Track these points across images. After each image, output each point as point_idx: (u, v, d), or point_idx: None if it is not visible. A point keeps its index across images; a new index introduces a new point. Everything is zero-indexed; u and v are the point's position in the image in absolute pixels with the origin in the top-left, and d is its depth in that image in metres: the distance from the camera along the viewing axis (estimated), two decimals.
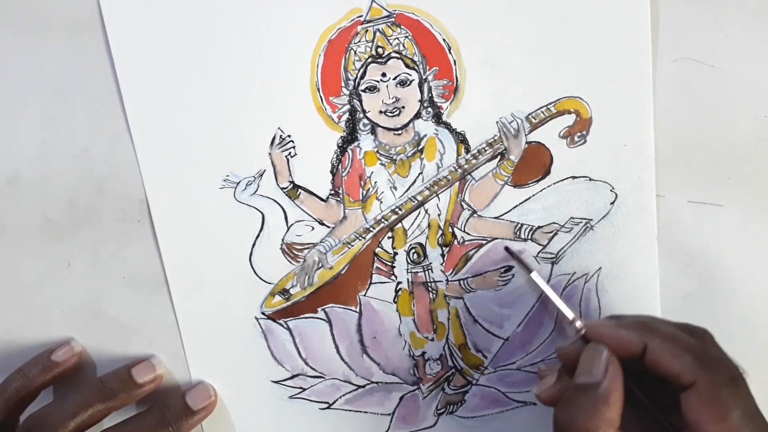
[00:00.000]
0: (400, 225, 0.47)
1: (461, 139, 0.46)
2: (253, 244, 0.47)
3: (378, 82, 0.45)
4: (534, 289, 0.46)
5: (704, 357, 0.36)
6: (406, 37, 0.45)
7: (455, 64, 0.45)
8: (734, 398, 0.35)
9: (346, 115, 0.45)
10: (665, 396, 0.37)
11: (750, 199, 0.46)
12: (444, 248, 0.47)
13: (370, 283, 0.47)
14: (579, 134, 0.45)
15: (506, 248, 0.46)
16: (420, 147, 0.46)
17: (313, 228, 0.47)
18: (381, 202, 0.46)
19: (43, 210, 0.47)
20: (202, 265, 0.47)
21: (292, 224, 0.47)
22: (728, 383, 0.35)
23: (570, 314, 0.42)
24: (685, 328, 0.39)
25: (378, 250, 0.47)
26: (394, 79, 0.45)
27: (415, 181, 0.46)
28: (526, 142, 0.45)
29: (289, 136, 0.46)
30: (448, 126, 0.45)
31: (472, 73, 0.45)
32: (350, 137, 0.46)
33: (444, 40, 0.44)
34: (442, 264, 0.47)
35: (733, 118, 0.45)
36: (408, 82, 0.45)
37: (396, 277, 0.47)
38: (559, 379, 0.41)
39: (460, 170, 0.46)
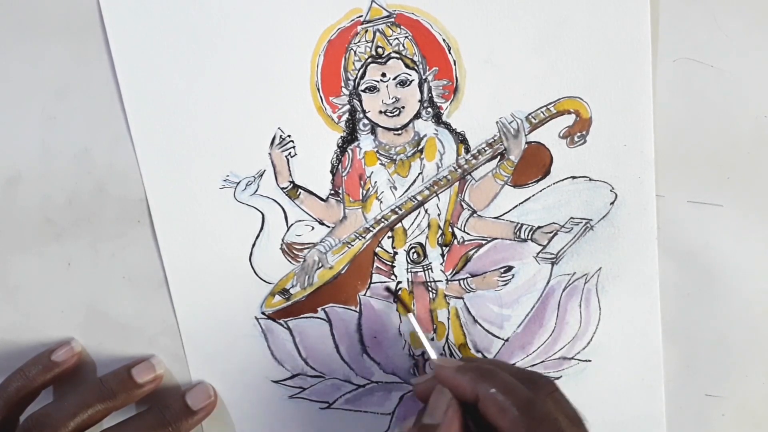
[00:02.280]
0: (400, 225, 0.47)
1: (461, 139, 0.46)
2: (253, 244, 0.47)
3: (378, 82, 0.45)
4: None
5: (529, 414, 0.36)
6: (406, 37, 0.45)
7: (455, 64, 0.45)
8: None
9: (346, 115, 0.45)
10: None
11: (750, 199, 0.46)
12: (444, 248, 0.47)
13: (370, 283, 0.47)
14: (579, 134, 0.45)
15: (386, 288, 0.47)
16: (420, 147, 0.46)
17: (313, 228, 0.47)
18: (381, 201, 0.46)
19: (43, 210, 0.47)
20: (202, 265, 0.47)
21: (292, 224, 0.47)
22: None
23: (433, 354, 0.42)
24: (528, 379, 0.39)
25: (378, 249, 0.47)
26: (394, 79, 0.45)
27: (415, 181, 0.46)
28: (526, 142, 0.45)
29: (289, 136, 0.46)
30: (448, 126, 0.45)
31: (472, 73, 0.45)
32: (350, 137, 0.46)
33: (444, 40, 0.44)
34: (441, 264, 0.47)
35: (733, 118, 0.45)
36: (408, 82, 0.45)
37: (396, 276, 0.47)
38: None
39: (460, 170, 0.46)
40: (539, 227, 0.46)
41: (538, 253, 0.47)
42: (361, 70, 0.45)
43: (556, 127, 0.45)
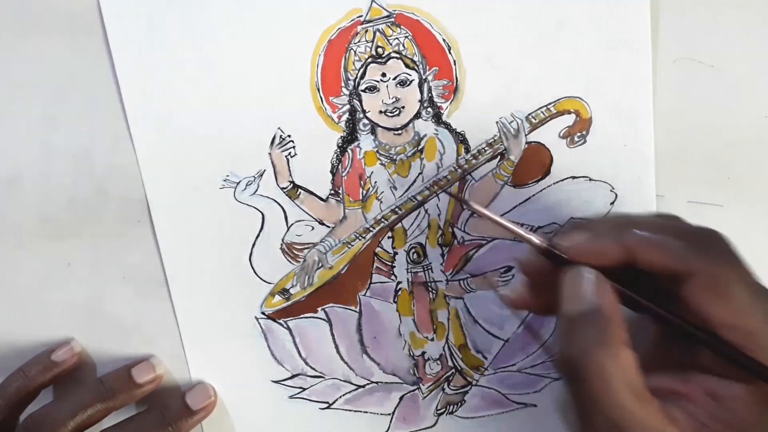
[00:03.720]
0: (400, 225, 0.47)
1: (461, 139, 0.46)
2: (253, 244, 0.47)
3: (378, 82, 0.45)
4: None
5: (694, 238, 0.32)
6: (406, 37, 0.45)
7: (455, 64, 0.45)
8: (736, 274, 0.32)
9: (346, 115, 0.45)
10: (659, 292, 0.34)
11: (750, 199, 0.46)
12: (444, 248, 0.47)
13: (370, 283, 0.47)
14: (579, 134, 0.45)
15: (445, 191, 0.44)
16: (420, 147, 0.46)
17: (313, 228, 0.47)
18: (381, 201, 0.46)
19: (43, 210, 0.47)
20: (202, 265, 0.47)
21: (292, 224, 0.47)
22: (725, 257, 0.32)
23: (527, 235, 0.36)
24: (659, 216, 0.36)
25: (378, 249, 0.47)
26: (394, 79, 0.45)
27: (415, 181, 0.46)
28: (526, 142, 0.45)
29: (289, 136, 0.46)
30: (448, 126, 0.45)
31: (472, 73, 0.45)
32: (350, 137, 0.46)
33: (444, 40, 0.44)
34: (442, 264, 0.47)
35: (733, 118, 0.45)
36: (408, 82, 0.45)
37: (396, 276, 0.47)
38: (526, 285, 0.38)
39: (460, 170, 0.46)
40: (539, 227, 0.46)
41: None
42: (361, 70, 0.45)
43: (556, 127, 0.45)
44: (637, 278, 0.34)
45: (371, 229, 0.47)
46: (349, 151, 0.46)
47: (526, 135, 0.45)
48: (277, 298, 0.47)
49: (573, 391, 0.33)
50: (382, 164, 0.46)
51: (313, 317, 0.48)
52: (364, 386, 0.48)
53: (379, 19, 0.44)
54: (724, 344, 0.31)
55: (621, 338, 0.32)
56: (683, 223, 0.35)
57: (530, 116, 0.45)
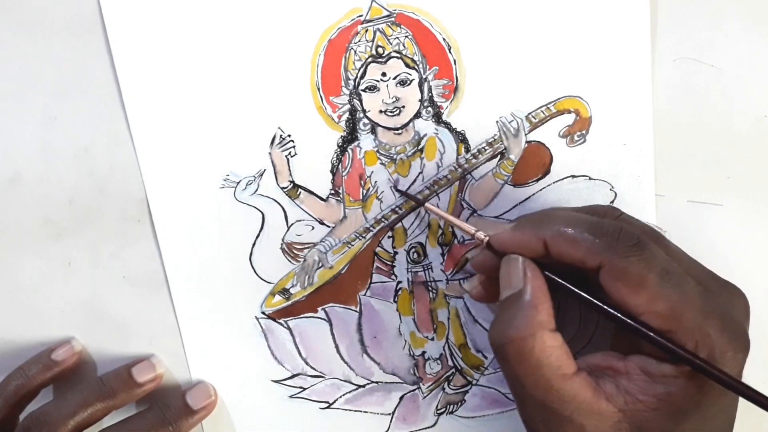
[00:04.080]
0: (400, 224, 0.47)
1: (461, 138, 0.46)
2: (253, 244, 0.47)
3: (378, 81, 0.45)
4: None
5: (601, 232, 0.34)
6: (407, 36, 0.45)
7: (455, 63, 0.45)
8: (644, 263, 0.33)
9: (346, 115, 0.46)
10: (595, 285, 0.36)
11: (750, 199, 0.46)
12: (444, 248, 0.47)
13: (370, 283, 0.47)
14: (579, 133, 0.45)
15: (393, 187, 0.46)
16: (420, 146, 0.46)
17: (313, 227, 0.47)
18: (381, 201, 0.46)
19: (43, 210, 0.47)
20: (202, 265, 0.47)
21: (292, 224, 0.47)
22: (633, 250, 0.34)
23: (471, 229, 0.40)
24: (587, 210, 0.37)
25: (378, 249, 0.47)
26: (394, 78, 0.45)
27: (415, 180, 0.46)
28: (526, 142, 0.45)
29: (289, 135, 0.46)
30: (448, 125, 0.45)
31: (472, 73, 0.45)
32: (350, 137, 0.46)
33: (444, 40, 0.45)
34: (442, 263, 0.47)
35: (733, 117, 0.45)
36: (408, 82, 0.45)
37: (396, 276, 0.47)
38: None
39: (460, 170, 0.46)
40: None
41: None
42: (362, 70, 0.45)
43: (556, 127, 0.45)
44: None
45: (371, 228, 0.47)
46: (350, 151, 0.46)
47: (526, 134, 0.45)
48: (278, 297, 0.47)
49: (504, 373, 0.36)
50: (382, 164, 0.46)
51: (313, 317, 0.48)
52: (364, 386, 0.48)
53: (380, 18, 0.44)
54: (641, 328, 0.33)
55: (541, 321, 0.34)
56: (600, 219, 0.36)
57: (530, 115, 0.45)
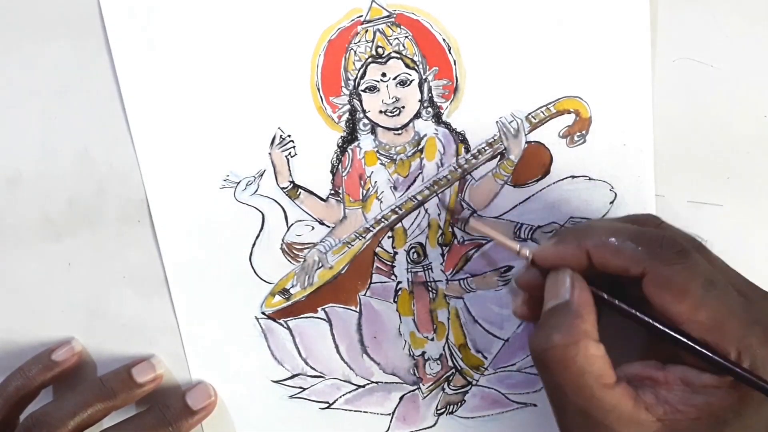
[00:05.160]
0: (400, 225, 0.47)
1: (461, 138, 0.46)
2: (253, 244, 0.47)
3: (378, 82, 0.45)
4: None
5: (644, 240, 0.35)
6: (406, 37, 0.45)
7: (455, 64, 0.45)
8: (688, 272, 0.33)
9: (346, 115, 0.46)
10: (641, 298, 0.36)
11: (750, 199, 0.46)
12: (444, 248, 0.47)
13: (370, 283, 0.47)
14: (578, 134, 0.45)
15: (446, 207, 0.46)
16: (420, 147, 0.46)
17: (313, 228, 0.47)
18: (381, 201, 0.46)
19: (43, 210, 0.47)
20: (202, 265, 0.47)
21: (292, 224, 0.47)
22: (677, 258, 0.34)
23: (516, 246, 0.40)
24: (627, 219, 0.38)
25: (378, 249, 0.47)
26: (394, 79, 0.45)
27: (414, 180, 0.46)
28: (526, 142, 0.45)
29: (289, 136, 0.46)
30: (448, 126, 0.45)
31: (472, 73, 0.45)
32: (350, 137, 0.46)
33: (444, 40, 0.44)
34: (442, 264, 0.47)
35: (733, 117, 0.45)
36: (408, 82, 0.45)
37: (396, 276, 0.47)
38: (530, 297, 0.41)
39: (460, 170, 0.46)
40: (539, 227, 0.46)
41: None
42: (361, 70, 0.45)
43: (555, 127, 0.45)
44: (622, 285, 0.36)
45: (371, 228, 0.47)
46: (349, 151, 0.46)
47: (525, 134, 0.45)
48: (277, 298, 0.47)
49: (543, 380, 0.36)
50: (382, 164, 0.46)
51: (313, 317, 0.48)
52: (364, 386, 0.48)
53: (379, 19, 0.44)
54: (685, 339, 0.33)
55: (586, 330, 0.34)
56: (642, 228, 0.37)
57: (530, 116, 0.45)
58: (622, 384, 0.34)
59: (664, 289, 0.34)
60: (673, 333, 0.34)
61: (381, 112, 0.45)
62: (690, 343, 0.33)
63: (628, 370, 0.36)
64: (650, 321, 0.35)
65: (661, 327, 0.34)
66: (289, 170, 0.46)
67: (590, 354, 0.34)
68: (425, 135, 0.46)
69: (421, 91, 0.45)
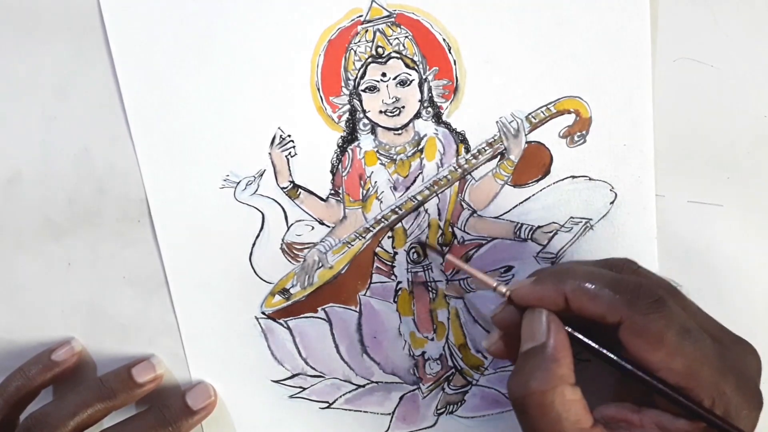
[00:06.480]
0: (399, 225, 0.47)
1: (461, 138, 0.46)
2: (253, 244, 0.47)
3: (378, 82, 0.45)
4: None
5: (621, 289, 0.35)
6: (406, 37, 0.45)
7: (455, 64, 0.45)
8: (664, 321, 0.34)
9: (346, 115, 0.46)
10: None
11: (750, 199, 0.46)
12: (444, 248, 0.47)
13: (370, 283, 0.47)
14: (579, 134, 0.45)
15: (418, 241, 0.46)
16: (420, 147, 0.46)
17: (313, 228, 0.47)
18: (381, 201, 0.46)
19: (43, 210, 0.47)
20: (202, 265, 0.47)
21: (292, 224, 0.47)
22: (653, 308, 0.34)
23: (492, 282, 0.40)
24: (605, 264, 0.38)
25: (378, 249, 0.47)
26: (394, 79, 0.45)
27: (414, 180, 0.46)
28: (526, 142, 0.45)
29: (289, 135, 0.46)
30: (448, 126, 0.45)
31: (472, 73, 0.45)
32: (350, 137, 0.46)
33: (444, 40, 0.44)
34: (442, 264, 0.47)
35: (733, 118, 0.45)
36: (408, 82, 0.45)
37: (396, 276, 0.47)
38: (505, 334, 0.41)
39: (460, 170, 0.46)
40: (539, 227, 0.46)
41: (538, 253, 0.47)
42: (362, 70, 0.45)
43: (556, 127, 0.45)
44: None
45: (371, 228, 0.47)
46: (349, 151, 0.46)
47: (526, 134, 0.45)
48: (277, 297, 0.47)
49: (521, 425, 0.36)
50: (382, 164, 0.46)
51: (313, 317, 0.48)
52: (364, 386, 0.49)
53: (380, 18, 0.44)
54: (660, 385, 0.34)
55: (563, 375, 0.35)
56: (620, 276, 0.37)
57: (530, 116, 0.45)
58: (598, 427, 0.35)
59: (640, 338, 0.34)
60: (649, 379, 0.34)
61: (381, 112, 0.45)
62: (665, 389, 0.34)
63: (605, 412, 0.37)
64: (628, 366, 0.35)
65: (638, 372, 0.35)
66: (289, 170, 0.46)
67: (567, 399, 0.34)
68: (425, 135, 0.46)
69: (421, 91, 0.45)
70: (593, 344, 0.36)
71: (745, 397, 0.33)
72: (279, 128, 0.45)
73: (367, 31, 0.45)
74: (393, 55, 0.45)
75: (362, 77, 0.45)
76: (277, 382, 0.48)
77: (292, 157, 0.46)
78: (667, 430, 0.34)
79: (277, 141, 0.46)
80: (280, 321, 0.48)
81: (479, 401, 0.48)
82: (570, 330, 0.37)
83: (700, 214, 0.46)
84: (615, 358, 0.36)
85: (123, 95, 0.45)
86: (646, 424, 0.35)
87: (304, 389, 0.49)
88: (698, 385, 0.33)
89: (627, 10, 0.44)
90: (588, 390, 0.35)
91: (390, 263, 0.47)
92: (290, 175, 0.46)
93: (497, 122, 0.45)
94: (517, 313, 0.39)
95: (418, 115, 0.45)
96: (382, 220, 0.47)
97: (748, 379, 0.34)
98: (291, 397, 0.49)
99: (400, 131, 0.46)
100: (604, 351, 0.36)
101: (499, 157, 0.46)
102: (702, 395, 0.33)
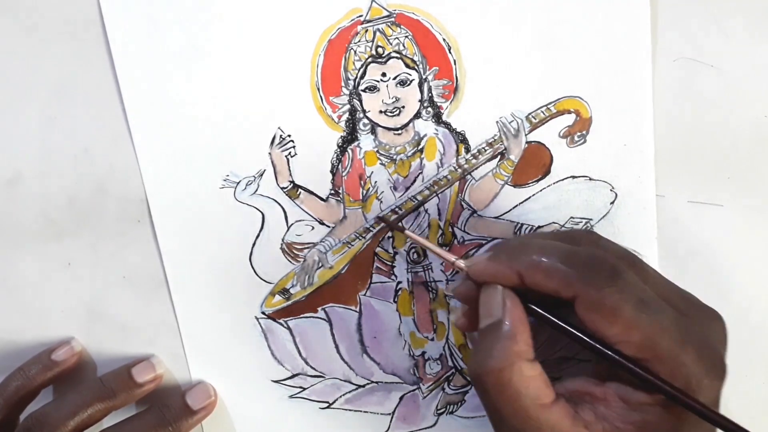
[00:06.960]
0: (400, 224, 0.47)
1: (461, 138, 0.46)
2: (253, 244, 0.47)
3: (378, 81, 0.45)
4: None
5: (574, 262, 0.34)
6: (406, 36, 0.45)
7: (455, 64, 0.45)
8: (618, 294, 0.33)
9: (346, 115, 0.46)
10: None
11: (750, 199, 0.46)
12: (444, 248, 0.47)
13: (370, 283, 0.47)
14: (579, 134, 0.45)
15: (377, 217, 0.46)
16: (420, 147, 0.46)
17: (313, 228, 0.47)
18: (381, 201, 0.46)
19: (43, 210, 0.47)
20: (202, 265, 0.47)
21: (292, 224, 0.47)
22: (607, 281, 0.33)
23: (451, 257, 0.40)
24: (565, 236, 0.37)
25: (378, 249, 0.47)
26: (394, 78, 0.45)
27: (414, 180, 0.46)
28: (526, 142, 0.45)
29: (289, 135, 0.46)
30: (448, 126, 0.45)
31: (472, 73, 0.45)
32: (350, 137, 0.46)
33: (444, 40, 0.44)
34: (442, 264, 0.47)
35: (733, 118, 0.45)
36: (408, 82, 0.45)
37: (396, 276, 0.47)
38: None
39: (460, 170, 0.46)
40: (539, 227, 0.46)
41: None
42: (361, 70, 0.45)
43: (556, 127, 0.45)
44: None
45: (371, 228, 0.47)
46: (349, 151, 0.46)
47: (526, 134, 0.45)
48: (278, 297, 0.47)
49: (482, 403, 0.36)
50: (382, 164, 0.46)
51: (313, 317, 0.48)
52: (364, 386, 0.49)
53: (379, 18, 0.44)
54: (617, 357, 0.33)
55: (520, 351, 0.34)
56: (574, 248, 0.36)
57: (530, 116, 0.45)
58: (560, 402, 0.34)
59: (595, 313, 0.33)
60: (608, 352, 0.34)
61: (381, 112, 0.45)
62: (623, 361, 0.33)
63: (570, 386, 0.36)
64: (587, 340, 0.34)
65: (597, 346, 0.34)
66: (289, 170, 0.46)
67: (525, 376, 0.34)
68: (425, 135, 0.46)
69: (421, 91, 0.45)
70: (553, 318, 0.35)
71: (706, 368, 0.33)
72: (279, 128, 0.45)
73: (367, 30, 0.45)
74: (393, 55, 0.45)
75: (362, 77, 0.45)
76: (277, 382, 0.48)
77: (292, 157, 0.46)
78: (629, 403, 0.34)
79: (277, 141, 0.46)
80: (280, 321, 0.48)
81: (479, 401, 0.48)
82: (529, 305, 0.36)
83: (700, 214, 0.46)
84: (574, 331, 0.35)
85: (123, 95, 0.45)
86: (609, 396, 0.34)
87: (304, 389, 0.49)
88: (656, 357, 0.32)
89: (627, 10, 0.44)
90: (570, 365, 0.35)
91: (390, 263, 0.47)
92: (290, 175, 0.46)
93: (497, 122, 0.45)
94: (477, 288, 0.38)
95: (418, 115, 0.45)
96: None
97: (710, 348, 0.34)
98: (291, 397, 0.49)
99: (400, 131, 0.46)
100: (563, 325, 0.35)
101: (499, 157, 0.46)
102: (660, 367, 0.32)
